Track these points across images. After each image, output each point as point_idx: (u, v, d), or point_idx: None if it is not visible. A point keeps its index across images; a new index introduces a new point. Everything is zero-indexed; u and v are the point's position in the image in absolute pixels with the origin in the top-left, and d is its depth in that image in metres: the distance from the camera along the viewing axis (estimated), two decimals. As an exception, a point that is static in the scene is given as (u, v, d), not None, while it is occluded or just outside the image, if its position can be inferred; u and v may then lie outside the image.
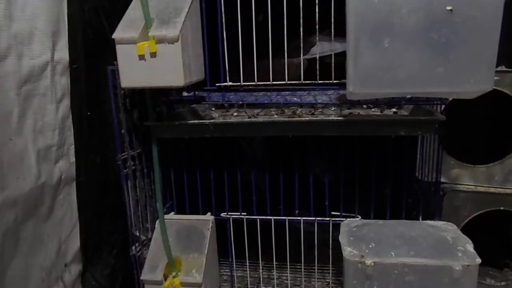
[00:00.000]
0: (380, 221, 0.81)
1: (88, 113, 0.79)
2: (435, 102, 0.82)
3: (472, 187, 0.95)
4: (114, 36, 0.73)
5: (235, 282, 0.99)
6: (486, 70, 0.62)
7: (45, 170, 0.69)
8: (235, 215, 0.92)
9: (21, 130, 0.64)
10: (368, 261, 0.70)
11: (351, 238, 0.76)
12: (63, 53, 0.73)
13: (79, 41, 0.76)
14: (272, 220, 0.90)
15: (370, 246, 0.73)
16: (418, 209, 0.92)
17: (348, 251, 0.72)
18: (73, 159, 0.76)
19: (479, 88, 0.63)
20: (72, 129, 0.76)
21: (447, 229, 0.77)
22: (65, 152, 0.74)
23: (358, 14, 0.64)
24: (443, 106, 0.84)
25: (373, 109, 0.96)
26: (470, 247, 0.71)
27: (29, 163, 0.65)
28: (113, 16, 0.83)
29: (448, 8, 0.58)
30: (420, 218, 0.87)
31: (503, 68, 0.90)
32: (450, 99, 0.78)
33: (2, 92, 0.60)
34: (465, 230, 0.81)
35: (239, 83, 0.87)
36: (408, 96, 0.80)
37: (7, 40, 0.61)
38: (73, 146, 0.76)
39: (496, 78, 0.64)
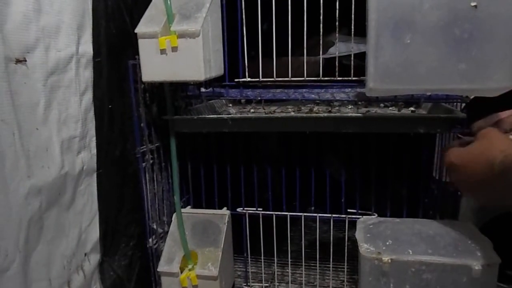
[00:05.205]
0: (397, 219, 0.80)
1: (110, 106, 0.80)
2: (455, 100, 0.82)
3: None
4: (137, 30, 0.75)
5: (250, 278, 0.99)
6: (510, 67, 0.61)
7: (68, 161, 0.71)
8: (251, 210, 0.92)
9: (47, 120, 0.66)
10: (385, 258, 0.69)
11: (368, 235, 0.75)
12: (87, 47, 0.75)
13: (102, 36, 0.77)
14: (288, 216, 0.90)
15: (387, 243, 0.72)
16: (435, 209, 0.91)
17: (364, 247, 0.72)
18: (94, 150, 0.78)
19: (502, 85, 0.62)
20: (94, 121, 0.77)
21: (466, 229, 0.76)
22: (87, 144, 0.76)
23: (380, 10, 0.64)
24: (463, 105, 0.83)
25: (390, 108, 0.95)
26: (489, 247, 0.70)
27: (53, 153, 0.67)
28: (135, 11, 0.84)
29: (473, 4, 0.58)
30: (438, 218, 0.86)
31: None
32: (471, 97, 0.77)
33: (31, 83, 0.62)
34: (484, 231, 0.80)
35: (257, 79, 0.87)
36: (428, 94, 0.79)
37: (36, 33, 0.62)
38: (94, 138, 0.78)
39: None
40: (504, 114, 0.64)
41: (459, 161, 0.61)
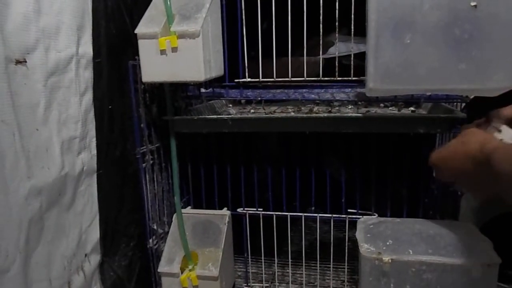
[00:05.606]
0: (397, 219, 0.80)
1: (110, 107, 0.80)
2: (455, 100, 0.82)
3: (491, 187, 0.93)
4: (137, 31, 0.75)
5: (250, 278, 0.99)
6: (510, 67, 0.61)
7: (68, 161, 0.71)
8: (252, 210, 0.92)
9: (47, 121, 0.66)
10: (385, 258, 0.69)
11: (368, 235, 0.76)
12: (87, 47, 0.75)
13: (102, 36, 0.77)
14: (289, 216, 0.90)
15: (387, 243, 0.72)
16: (435, 209, 0.91)
17: (365, 247, 0.72)
18: (94, 151, 0.78)
19: (502, 85, 0.62)
20: (94, 122, 0.77)
21: (466, 229, 0.76)
22: (87, 144, 0.76)
23: (380, 11, 0.64)
24: (463, 105, 0.84)
25: (390, 108, 0.95)
26: (489, 247, 0.70)
27: (53, 153, 0.67)
28: (135, 11, 0.84)
29: (473, 3, 0.58)
30: (438, 218, 0.86)
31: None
32: (471, 96, 0.77)
33: (31, 84, 0.62)
34: (484, 231, 0.80)
35: (257, 79, 0.87)
36: (428, 94, 0.79)
37: (36, 34, 0.62)
38: (94, 138, 0.78)
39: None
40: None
41: (440, 158, 0.65)
